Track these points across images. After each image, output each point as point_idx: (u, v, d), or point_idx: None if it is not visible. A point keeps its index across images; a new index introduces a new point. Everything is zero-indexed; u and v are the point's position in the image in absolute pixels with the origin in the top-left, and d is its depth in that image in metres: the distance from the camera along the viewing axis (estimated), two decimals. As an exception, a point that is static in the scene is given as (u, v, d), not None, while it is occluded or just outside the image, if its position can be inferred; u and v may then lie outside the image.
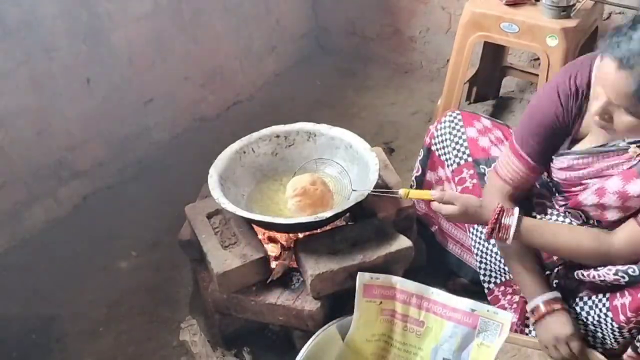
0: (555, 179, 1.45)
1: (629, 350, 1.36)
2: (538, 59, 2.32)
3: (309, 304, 1.53)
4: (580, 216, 1.45)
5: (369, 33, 3.08)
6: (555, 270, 1.50)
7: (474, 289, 1.75)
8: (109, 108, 2.24)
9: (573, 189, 1.42)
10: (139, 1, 2.23)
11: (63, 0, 1.97)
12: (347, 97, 2.85)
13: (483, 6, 2.11)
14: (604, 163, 1.33)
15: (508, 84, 2.73)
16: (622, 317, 1.31)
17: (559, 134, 1.39)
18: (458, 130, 1.65)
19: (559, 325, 1.38)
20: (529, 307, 1.45)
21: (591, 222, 1.43)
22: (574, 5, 2.00)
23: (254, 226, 1.64)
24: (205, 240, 1.61)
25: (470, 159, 1.61)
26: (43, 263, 2.02)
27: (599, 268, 1.35)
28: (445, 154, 1.67)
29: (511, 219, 1.34)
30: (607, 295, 1.36)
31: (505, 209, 1.36)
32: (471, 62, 2.28)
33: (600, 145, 1.34)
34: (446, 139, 1.66)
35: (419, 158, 1.76)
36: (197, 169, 1.83)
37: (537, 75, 2.27)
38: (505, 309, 1.59)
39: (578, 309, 1.44)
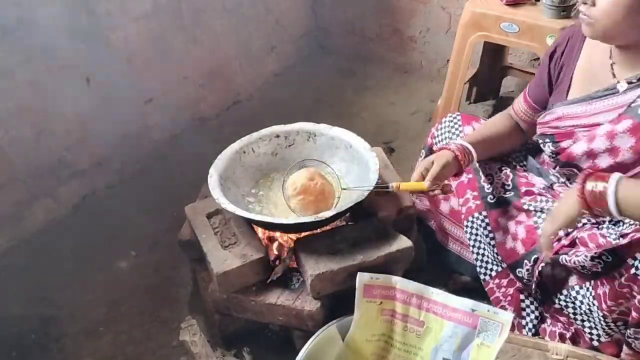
0: (549, 134, 1.48)
1: (625, 348, 1.36)
2: (538, 58, 2.32)
3: (309, 304, 1.52)
4: (573, 175, 1.47)
5: (368, 33, 3.08)
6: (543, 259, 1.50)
7: (474, 286, 1.76)
8: (109, 108, 2.24)
9: (563, 144, 1.44)
10: (139, 1, 2.23)
11: (63, 0, 1.97)
12: (347, 97, 2.85)
13: (483, 6, 2.11)
14: (592, 111, 1.38)
15: (508, 84, 2.73)
16: (604, 306, 1.32)
17: (551, 80, 1.52)
18: (457, 129, 1.69)
19: (442, 156, 1.50)
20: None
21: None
22: (573, 5, 2.00)
23: (254, 226, 1.64)
24: (205, 240, 1.61)
25: None
26: (43, 263, 2.02)
27: (578, 253, 1.36)
28: None
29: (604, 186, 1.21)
30: (592, 282, 1.37)
31: (592, 174, 1.25)
32: (471, 62, 2.28)
33: (589, 96, 1.39)
34: (445, 138, 1.69)
35: (420, 158, 1.77)
36: (197, 169, 1.83)
37: (537, 75, 2.27)
38: (500, 300, 1.62)
39: (571, 297, 1.44)
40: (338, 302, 1.62)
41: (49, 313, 1.85)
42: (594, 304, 1.37)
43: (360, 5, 3.00)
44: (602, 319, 1.36)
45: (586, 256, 1.33)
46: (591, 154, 1.37)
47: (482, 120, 1.72)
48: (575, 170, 1.46)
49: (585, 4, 1.25)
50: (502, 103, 2.67)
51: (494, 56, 2.51)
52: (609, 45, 1.35)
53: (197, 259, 1.74)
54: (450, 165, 1.49)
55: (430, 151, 1.73)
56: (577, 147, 1.40)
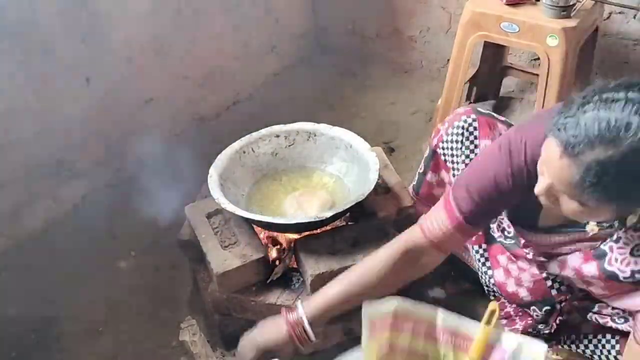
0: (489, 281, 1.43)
1: None
2: (538, 58, 2.32)
3: (309, 304, 1.52)
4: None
5: (368, 33, 3.08)
6: (558, 306, 1.44)
7: (474, 289, 1.75)
8: (109, 107, 2.24)
9: (541, 258, 1.38)
10: (139, 1, 2.23)
11: (63, 0, 1.97)
12: (347, 97, 2.85)
13: (483, 6, 2.11)
14: (567, 242, 1.29)
15: (508, 84, 2.72)
16: None
17: (510, 199, 1.25)
18: (471, 142, 1.50)
19: (273, 332, 1.30)
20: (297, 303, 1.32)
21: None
22: (574, 5, 2.00)
23: (254, 226, 1.64)
24: (205, 240, 1.61)
25: None
26: (42, 263, 2.01)
27: (614, 317, 1.31)
28: (453, 162, 1.56)
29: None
30: (617, 337, 1.33)
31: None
32: (471, 62, 2.27)
33: (562, 225, 1.28)
34: (457, 147, 1.53)
35: (425, 155, 1.68)
36: (197, 169, 1.83)
37: (537, 75, 2.27)
38: (510, 315, 1.56)
39: (582, 346, 1.41)
40: (338, 302, 1.62)
41: (49, 313, 1.85)
42: (617, 358, 1.32)
43: (360, 5, 3.00)
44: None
45: (625, 319, 1.28)
46: (563, 277, 1.34)
47: (499, 124, 1.49)
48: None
49: (548, 201, 1.10)
50: (502, 103, 2.67)
51: (494, 56, 2.50)
52: None
53: (197, 259, 1.74)
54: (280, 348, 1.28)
55: (434, 153, 1.62)
56: (553, 268, 1.35)
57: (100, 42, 2.13)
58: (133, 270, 2.00)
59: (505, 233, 1.44)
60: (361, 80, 2.97)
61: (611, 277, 1.19)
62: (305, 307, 1.28)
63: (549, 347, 1.38)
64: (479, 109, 1.52)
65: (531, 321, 1.50)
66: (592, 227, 1.21)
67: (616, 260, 1.17)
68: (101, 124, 2.24)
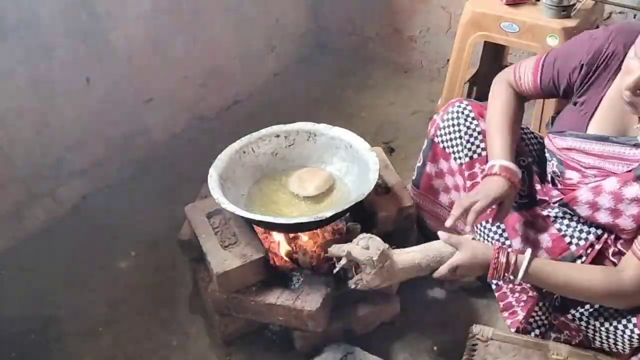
0: (558, 157, 1.43)
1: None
2: (538, 58, 2.31)
3: (309, 304, 1.52)
4: (571, 215, 1.43)
5: (368, 33, 3.08)
6: (579, 262, 1.43)
7: (472, 287, 1.75)
8: (109, 107, 2.24)
9: (568, 174, 1.41)
10: (139, 1, 2.23)
11: (63, 0, 1.97)
12: (347, 97, 2.85)
13: (483, 6, 2.11)
14: (604, 153, 1.32)
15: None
16: None
17: (572, 83, 1.39)
18: (471, 123, 1.57)
19: (496, 187, 1.39)
20: (488, 164, 1.45)
21: (582, 221, 1.41)
22: (574, 5, 2.00)
23: (254, 226, 1.64)
24: (205, 240, 1.61)
25: (484, 153, 1.55)
26: (42, 263, 2.01)
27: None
28: (453, 146, 1.60)
29: (520, 259, 1.31)
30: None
31: (508, 250, 1.33)
32: (471, 61, 2.27)
33: (607, 137, 1.31)
34: (455, 131, 1.59)
35: (423, 148, 1.71)
36: (197, 169, 1.83)
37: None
38: (512, 305, 1.58)
39: (593, 318, 1.41)
40: (338, 302, 1.62)
41: (49, 313, 1.85)
42: (626, 327, 1.33)
43: (360, 5, 3.00)
44: (634, 338, 1.33)
45: None
46: (594, 207, 1.34)
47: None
48: (572, 212, 1.42)
49: (635, 94, 1.17)
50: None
51: (494, 56, 2.50)
52: None
53: (197, 259, 1.74)
54: (509, 196, 1.41)
55: (432, 143, 1.65)
56: (582, 196, 1.36)
57: (100, 42, 2.13)
58: (133, 270, 2.00)
59: (521, 193, 1.51)
60: (361, 80, 2.97)
61: None
62: (501, 162, 1.42)
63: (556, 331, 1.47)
64: (473, 100, 1.64)
65: (535, 302, 1.52)
66: None
67: None
68: (100, 123, 2.24)
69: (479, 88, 2.63)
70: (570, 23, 1.98)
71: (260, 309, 1.57)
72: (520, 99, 1.55)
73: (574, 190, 1.39)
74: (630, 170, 1.28)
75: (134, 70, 2.29)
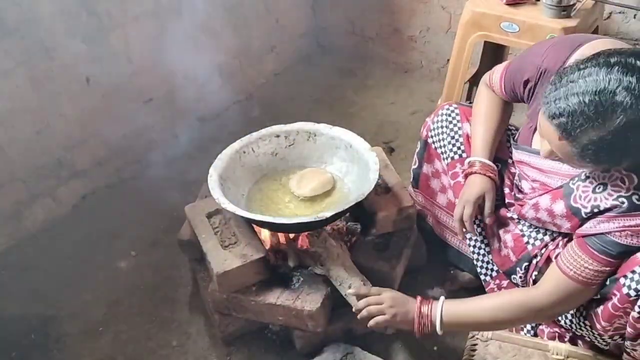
0: (518, 168, 1.51)
1: (625, 355, 1.36)
2: (538, 58, 2.31)
3: (309, 304, 1.52)
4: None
5: (368, 32, 3.08)
6: (534, 261, 1.49)
7: (473, 286, 1.75)
8: (108, 107, 2.24)
9: (523, 193, 1.49)
10: (139, 1, 2.23)
11: (63, 0, 1.97)
12: (346, 97, 2.85)
13: (483, 6, 2.11)
14: (545, 170, 1.40)
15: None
16: (598, 326, 1.31)
17: (523, 97, 1.47)
18: (455, 125, 1.66)
19: (475, 187, 1.50)
20: (467, 160, 1.56)
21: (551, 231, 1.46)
22: (574, 4, 1.99)
23: (254, 226, 1.64)
24: (205, 240, 1.61)
25: (464, 155, 1.62)
26: (42, 263, 2.02)
27: None
28: (441, 147, 1.68)
29: (433, 308, 1.40)
30: (584, 304, 1.35)
31: (424, 300, 1.43)
32: (471, 61, 2.27)
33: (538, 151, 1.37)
34: (442, 132, 1.67)
35: (417, 150, 1.77)
36: (197, 169, 1.83)
37: (537, 75, 2.26)
38: None
39: (562, 318, 1.43)
40: (338, 302, 1.62)
41: (49, 313, 1.85)
42: (585, 324, 1.36)
43: (360, 5, 3.00)
44: (597, 336, 1.35)
45: None
46: (539, 221, 1.42)
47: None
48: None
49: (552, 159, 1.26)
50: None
51: (494, 56, 2.50)
52: None
53: (197, 259, 1.74)
54: (490, 190, 1.52)
55: (426, 144, 1.72)
56: (527, 212, 1.44)
57: (100, 41, 2.13)
58: (133, 270, 1.99)
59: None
60: (361, 80, 2.97)
61: (575, 214, 1.29)
62: (479, 157, 1.54)
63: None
64: (462, 102, 1.76)
65: None
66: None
67: (580, 197, 1.28)
68: (100, 123, 2.24)
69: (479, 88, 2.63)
70: (570, 23, 1.98)
71: (260, 309, 1.57)
72: (500, 103, 1.60)
73: (523, 204, 1.47)
74: (561, 187, 1.35)
75: (133, 70, 2.29)
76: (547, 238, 1.46)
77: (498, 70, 1.57)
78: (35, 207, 2.13)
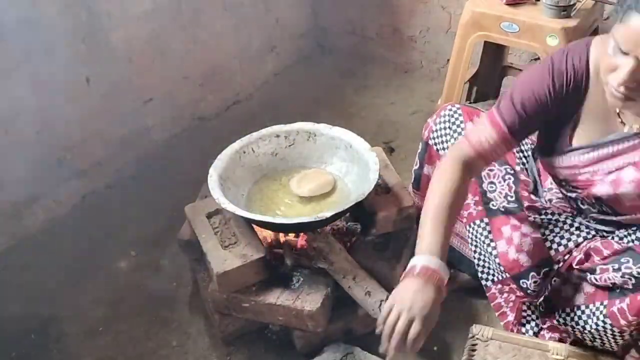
0: (560, 178, 1.41)
1: (632, 351, 1.36)
2: (538, 58, 2.31)
3: (309, 304, 1.52)
4: (556, 221, 1.44)
5: (368, 32, 3.08)
6: (556, 267, 1.47)
7: (472, 286, 1.75)
8: (108, 107, 2.24)
9: (581, 183, 1.37)
10: (139, 1, 2.23)
11: (63, 0, 1.97)
12: (346, 97, 2.85)
13: (483, 6, 2.11)
14: (611, 157, 1.28)
15: (508, 84, 2.72)
16: (622, 322, 1.30)
17: (547, 112, 1.29)
18: (458, 126, 1.61)
19: (414, 293, 1.17)
20: (411, 262, 1.24)
21: (605, 209, 1.39)
22: (574, 4, 1.99)
23: (254, 226, 1.64)
24: (205, 240, 1.61)
25: None
26: (42, 263, 2.01)
27: (610, 270, 1.32)
28: (443, 148, 1.64)
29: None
30: (605, 302, 1.35)
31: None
32: (471, 61, 2.27)
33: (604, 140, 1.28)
34: (445, 133, 1.63)
35: (418, 151, 1.74)
36: (197, 169, 1.83)
37: (537, 75, 2.26)
38: (501, 307, 1.61)
39: (576, 317, 1.43)
40: (338, 302, 1.62)
41: (49, 313, 1.85)
42: (605, 322, 1.34)
43: (360, 5, 3.00)
44: (617, 334, 1.33)
45: (617, 272, 1.29)
46: (615, 197, 1.30)
47: (483, 114, 1.49)
48: (588, 199, 1.37)
49: (629, 89, 1.12)
50: (502, 103, 2.66)
51: (494, 56, 2.50)
52: None
53: (197, 258, 1.74)
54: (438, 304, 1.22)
55: (427, 145, 1.69)
56: (601, 190, 1.31)
57: (100, 41, 2.13)
58: (132, 270, 1.99)
59: (508, 198, 1.51)
60: (361, 80, 2.97)
61: None
62: (431, 257, 1.22)
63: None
64: (465, 103, 1.67)
65: (521, 300, 1.53)
66: (632, 129, 1.22)
67: None
68: (100, 123, 2.24)
69: (479, 88, 2.63)
70: (570, 23, 1.98)
71: (260, 309, 1.57)
72: (467, 182, 1.36)
73: (591, 184, 1.34)
74: None
75: (133, 70, 2.29)
76: (571, 244, 1.42)
77: (478, 128, 1.35)
78: (35, 207, 2.12)
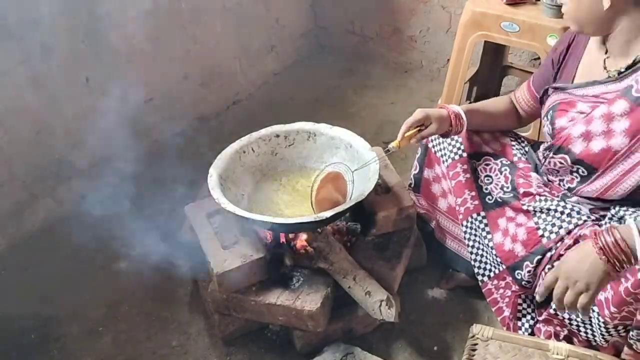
0: (553, 129, 1.51)
1: (625, 349, 1.36)
2: (538, 58, 2.32)
3: (309, 304, 1.52)
4: (548, 210, 1.49)
5: (368, 32, 3.08)
6: (549, 254, 1.48)
7: (469, 285, 1.76)
8: (109, 107, 2.24)
9: (560, 122, 1.48)
10: (139, 1, 2.23)
11: (63, 0, 1.97)
12: (346, 97, 2.85)
13: (483, 5, 2.11)
14: (590, 93, 1.43)
15: (508, 83, 2.72)
16: (606, 312, 1.31)
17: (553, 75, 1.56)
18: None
19: (432, 110, 1.54)
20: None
21: (577, 168, 1.46)
22: (574, 4, 1.99)
23: (254, 226, 1.64)
24: (205, 240, 1.61)
25: (464, 154, 1.63)
26: (43, 263, 2.02)
27: None
28: (440, 150, 1.69)
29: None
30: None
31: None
32: (471, 61, 2.27)
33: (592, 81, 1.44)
34: (443, 139, 1.67)
35: (417, 156, 1.78)
36: (197, 169, 1.83)
37: (537, 74, 2.26)
38: (497, 302, 1.63)
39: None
40: (338, 302, 1.62)
41: (49, 313, 1.85)
42: (593, 310, 1.36)
43: (360, 4, 3.00)
44: (602, 325, 1.35)
45: None
46: (587, 136, 1.40)
47: None
48: (566, 160, 1.46)
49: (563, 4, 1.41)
50: (503, 103, 2.67)
51: (494, 56, 2.50)
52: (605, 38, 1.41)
53: (197, 259, 1.74)
54: (444, 122, 1.53)
55: (426, 149, 1.73)
56: (575, 130, 1.42)
57: (100, 41, 2.13)
58: (133, 270, 1.99)
59: (504, 189, 1.58)
60: (361, 80, 2.97)
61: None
62: (460, 108, 1.57)
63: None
64: (466, 103, 1.76)
65: (517, 295, 1.57)
66: (612, 74, 1.38)
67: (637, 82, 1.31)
68: (101, 124, 2.23)
69: (479, 88, 2.63)
70: (570, 23, 1.98)
71: (260, 309, 1.57)
72: (513, 110, 1.68)
73: (567, 133, 1.46)
74: (615, 97, 1.36)
75: (133, 70, 2.29)
76: (562, 232, 1.45)
77: (521, 88, 1.68)
78: (36, 207, 2.13)
